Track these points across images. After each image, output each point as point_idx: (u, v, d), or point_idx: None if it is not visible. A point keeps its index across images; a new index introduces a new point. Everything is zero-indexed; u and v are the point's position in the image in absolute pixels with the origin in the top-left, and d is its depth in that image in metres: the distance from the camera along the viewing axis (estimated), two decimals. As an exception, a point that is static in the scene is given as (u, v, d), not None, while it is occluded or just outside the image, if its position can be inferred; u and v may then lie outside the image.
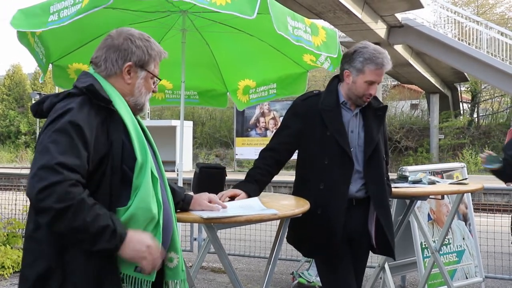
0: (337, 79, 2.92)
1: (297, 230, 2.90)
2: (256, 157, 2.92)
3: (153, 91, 2.01)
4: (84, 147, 1.70)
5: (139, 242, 1.73)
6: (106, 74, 1.91)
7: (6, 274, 5.34)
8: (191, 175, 2.98)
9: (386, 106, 2.95)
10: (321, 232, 2.75)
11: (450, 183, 3.75)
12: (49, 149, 1.65)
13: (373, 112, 2.87)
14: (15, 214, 6.91)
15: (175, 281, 1.95)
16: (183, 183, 5.57)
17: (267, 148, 2.90)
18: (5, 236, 6.07)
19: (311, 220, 2.73)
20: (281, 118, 3.56)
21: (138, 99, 1.96)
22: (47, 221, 1.64)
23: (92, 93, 1.78)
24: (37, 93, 28.29)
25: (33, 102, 1.93)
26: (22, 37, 3.93)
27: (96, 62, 1.93)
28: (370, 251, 3.00)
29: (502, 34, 17.41)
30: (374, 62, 2.71)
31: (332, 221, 2.71)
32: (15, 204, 7.03)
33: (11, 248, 5.82)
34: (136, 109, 1.98)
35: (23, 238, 1.89)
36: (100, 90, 1.80)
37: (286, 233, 2.63)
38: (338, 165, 2.74)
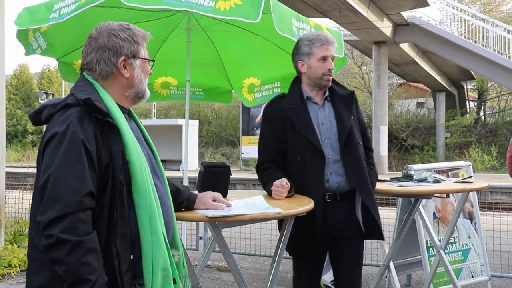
0: (298, 80, 2.99)
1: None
2: None
3: (150, 74, 2.02)
4: (91, 165, 1.71)
5: None
6: (103, 76, 1.90)
7: (13, 272, 5.37)
8: (197, 174, 2.98)
9: (353, 92, 3.01)
10: (301, 229, 2.74)
11: (455, 182, 3.74)
12: (61, 180, 1.66)
13: (342, 100, 2.94)
14: (21, 213, 6.93)
15: (177, 277, 1.95)
16: (189, 182, 5.58)
17: (262, 162, 2.92)
18: (12, 235, 6.10)
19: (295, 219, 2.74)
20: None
21: (139, 88, 1.97)
22: (45, 245, 1.65)
23: (89, 106, 1.76)
24: (44, 93, 28.45)
25: (32, 111, 1.92)
26: (21, 33, 4.02)
27: (89, 67, 1.91)
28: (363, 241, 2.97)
29: (508, 32, 17.34)
30: (318, 39, 2.86)
31: (310, 216, 2.67)
32: (22, 203, 7.05)
33: (18, 246, 5.85)
34: (137, 98, 1.99)
35: (28, 245, 1.88)
36: (98, 102, 1.78)
37: (290, 232, 2.63)
38: (310, 159, 2.79)
